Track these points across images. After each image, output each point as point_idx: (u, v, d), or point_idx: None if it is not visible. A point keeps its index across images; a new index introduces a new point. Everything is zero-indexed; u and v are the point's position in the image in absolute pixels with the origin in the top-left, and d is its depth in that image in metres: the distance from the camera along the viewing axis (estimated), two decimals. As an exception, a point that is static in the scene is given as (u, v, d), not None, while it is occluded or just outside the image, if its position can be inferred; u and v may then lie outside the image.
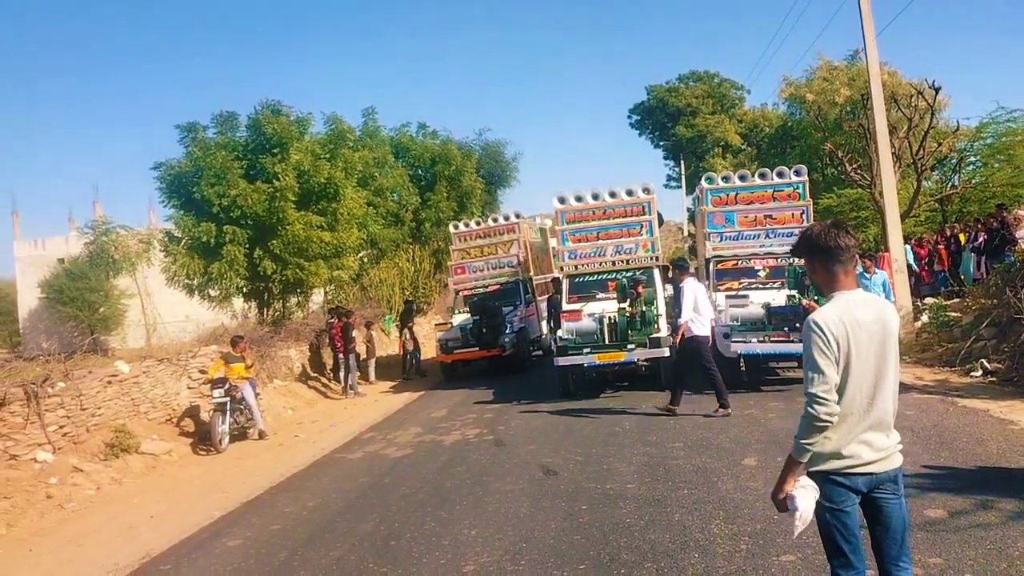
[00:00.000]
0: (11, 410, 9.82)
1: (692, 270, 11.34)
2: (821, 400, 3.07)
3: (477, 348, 16.41)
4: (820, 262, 3.24)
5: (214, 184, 15.54)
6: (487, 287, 17.98)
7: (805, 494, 3.14)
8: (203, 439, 11.99)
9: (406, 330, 18.90)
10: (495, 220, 18.64)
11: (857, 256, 3.17)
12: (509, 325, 16.91)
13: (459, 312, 17.81)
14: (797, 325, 9.77)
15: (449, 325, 17.49)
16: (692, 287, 10.47)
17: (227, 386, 11.72)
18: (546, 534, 6.16)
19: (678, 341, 10.66)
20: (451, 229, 19.11)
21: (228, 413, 11.79)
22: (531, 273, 18.46)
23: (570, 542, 5.91)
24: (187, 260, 15.86)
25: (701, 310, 10.41)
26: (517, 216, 18.40)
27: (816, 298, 11.06)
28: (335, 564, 6.05)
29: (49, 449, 10.04)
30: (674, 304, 11.49)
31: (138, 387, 11.89)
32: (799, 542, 5.30)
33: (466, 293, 18.20)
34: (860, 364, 3.11)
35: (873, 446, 3.16)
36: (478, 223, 18.81)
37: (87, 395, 10.85)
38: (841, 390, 3.12)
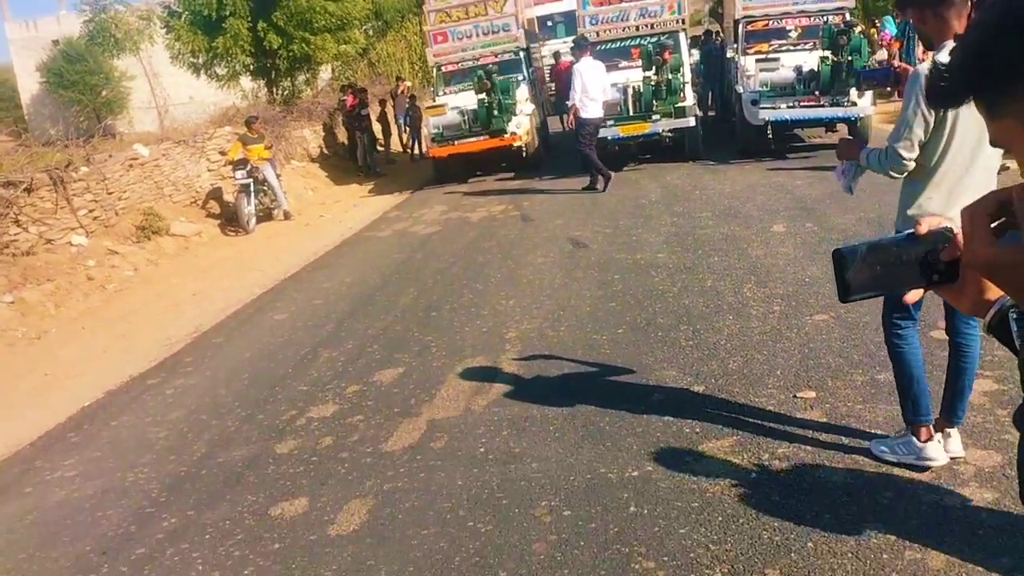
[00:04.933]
0: (40, 195, 9.86)
1: (589, 50, 11.22)
2: (898, 156, 3.06)
3: (486, 136, 13.01)
4: (932, 7, 2.97)
5: (211, -50, 14.55)
6: (477, 59, 14.02)
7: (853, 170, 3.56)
8: (230, 220, 12.14)
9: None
10: None
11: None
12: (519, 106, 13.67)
13: (442, 92, 14.29)
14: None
15: (443, 108, 13.46)
16: (581, 68, 10.69)
17: (249, 167, 11.65)
18: (581, 302, 6.36)
19: (570, 122, 11.04)
20: None
21: (252, 194, 11.83)
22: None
23: (606, 309, 6.11)
24: (190, 36, 15.23)
25: (591, 93, 10.64)
26: None
27: (849, 58, 10.63)
28: (381, 334, 6.32)
29: (82, 233, 10.21)
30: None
31: (159, 170, 11.85)
32: (832, 302, 5.47)
33: (449, 68, 14.47)
34: (964, 123, 2.99)
35: None
36: None
37: (111, 179, 10.85)
38: (945, 149, 3.05)
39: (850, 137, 3.34)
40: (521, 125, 13.11)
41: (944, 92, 0.94)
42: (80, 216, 10.22)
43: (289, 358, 6.06)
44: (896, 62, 10.31)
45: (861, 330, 4.95)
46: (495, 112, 12.71)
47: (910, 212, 3.19)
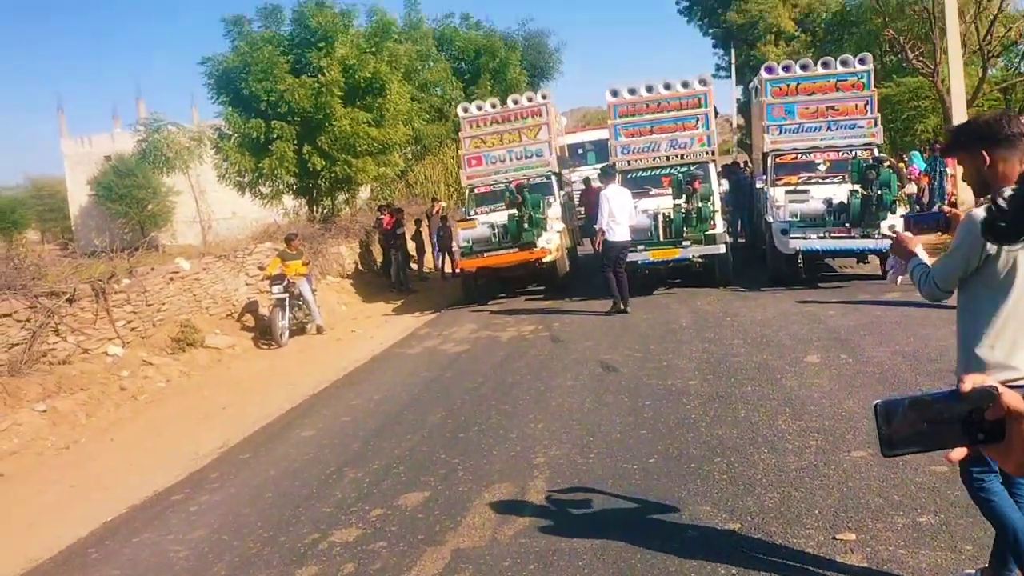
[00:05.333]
0: (81, 306, 10.11)
1: (616, 177, 11.84)
2: (934, 284, 3.15)
3: (515, 250, 13.00)
4: (996, 152, 2.95)
5: (261, 79, 15.42)
6: (510, 181, 14.11)
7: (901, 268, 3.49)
8: (263, 334, 12.30)
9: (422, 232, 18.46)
10: (515, 102, 14.94)
11: None
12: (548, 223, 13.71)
13: (474, 212, 14.38)
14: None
15: (473, 222, 13.72)
16: (608, 194, 11.11)
17: (285, 282, 11.92)
18: (612, 428, 6.27)
19: (598, 244, 11.29)
20: (459, 112, 15.27)
21: (287, 308, 12.04)
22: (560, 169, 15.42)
23: (637, 436, 6.01)
24: (238, 157, 15.95)
25: (618, 218, 10.98)
26: (544, 97, 15.10)
27: (879, 192, 10.76)
28: (408, 454, 6.25)
29: (119, 343, 10.40)
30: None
31: (199, 283, 12.14)
32: (870, 438, 5.34)
33: (482, 190, 14.71)
34: None
35: None
36: (494, 105, 15.04)
37: (151, 291, 11.13)
38: (1007, 293, 3.00)
39: (909, 234, 3.30)
40: (551, 241, 13.16)
41: (1004, 232, 0.96)
42: (118, 326, 10.43)
43: (314, 477, 6.00)
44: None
45: (901, 468, 4.81)
46: (525, 226, 12.83)
47: (970, 362, 3.12)
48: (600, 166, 18.78)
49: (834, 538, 4.07)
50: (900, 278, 3.60)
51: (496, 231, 13.32)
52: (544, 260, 13.04)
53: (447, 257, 17.60)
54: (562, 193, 15.21)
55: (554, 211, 13.94)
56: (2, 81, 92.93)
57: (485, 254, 13.26)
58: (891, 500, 4.44)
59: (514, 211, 12.87)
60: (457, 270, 14.72)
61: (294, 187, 17.28)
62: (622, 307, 11.09)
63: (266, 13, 16.72)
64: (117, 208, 34.68)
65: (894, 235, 3.41)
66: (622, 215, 11.11)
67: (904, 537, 4.01)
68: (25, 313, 9.35)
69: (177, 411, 8.93)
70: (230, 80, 15.89)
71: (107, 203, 35.20)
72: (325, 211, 18.12)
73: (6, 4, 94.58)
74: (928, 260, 3.28)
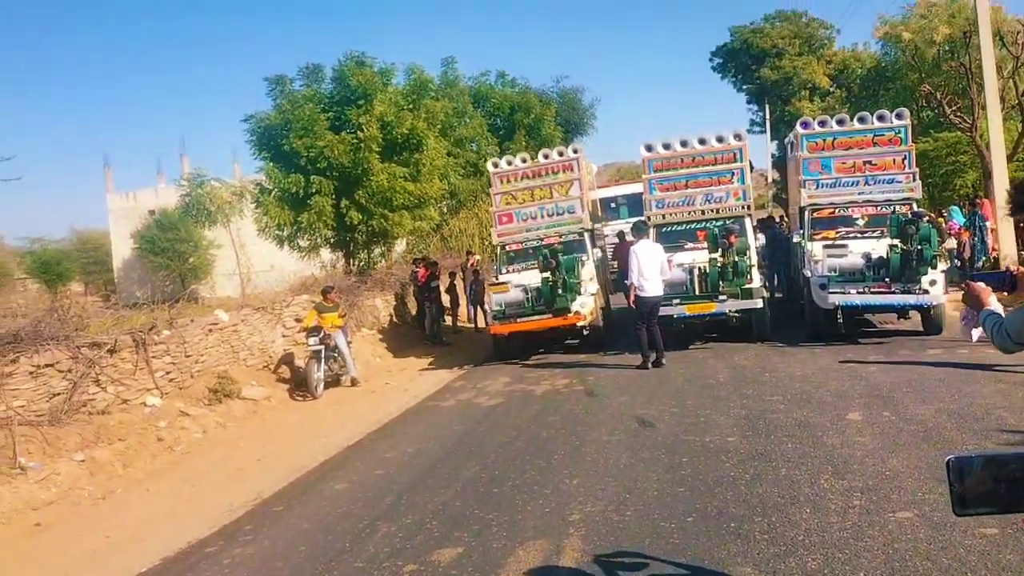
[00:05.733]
0: (121, 356, 10.28)
1: (650, 232, 11.87)
2: (1006, 335, 3.04)
3: (549, 315, 12.71)
4: None
5: (302, 136, 15.83)
6: (542, 239, 14.06)
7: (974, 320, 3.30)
8: (299, 385, 12.38)
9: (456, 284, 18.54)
10: (546, 156, 14.70)
11: None
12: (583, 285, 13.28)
13: (505, 271, 14.14)
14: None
15: (506, 285, 13.24)
16: (638, 249, 11.16)
17: (321, 334, 12.03)
18: (649, 485, 6.15)
19: (633, 301, 11.21)
20: (489, 168, 15.09)
21: (323, 360, 12.12)
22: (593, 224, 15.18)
23: (674, 494, 5.89)
24: (278, 211, 16.29)
25: (647, 273, 11.04)
26: (575, 151, 14.81)
27: (919, 247, 10.63)
28: (441, 509, 6.19)
29: (157, 394, 10.53)
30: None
31: (236, 335, 12.30)
32: (916, 499, 5.18)
33: (514, 247, 14.45)
34: None
35: None
36: (524, 160, 14.73)
37: (190, 342, 11.29)
38: None
39: (981, 284, 3.23)
40: (586, 305, 12.90)
41: None
42: (157, 377, 10.58)
43: (347, 531, 5.95)
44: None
45: (949, 531, 4.65)
46: (559, 291, 12.52)
47: None
48: (633, 220, 18.70)
49: (882, 604, 3.93)
50: (976, 332, 3.44)
51: (529, 295, 12.96)
52: (578, 324, 12.82)
53: (480, 310, 17.64)
54: (595, 250, 14.94)
55: (588, 270, 13.58)
56: (53, 138, 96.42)
57: (518, 319, 12.97)
58: (939, 564, 4.28)
59: (548, 275, 12.56)
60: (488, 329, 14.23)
61: (331, 240, 17.59)
62: (658, 361, 11.05)
63: (307, 72, 17.25)
64: (159, 261, 35.46)
65: (965, 285, 3.31)
66: (652, 271, 11.12)
67: (955, 605, 3.86)
68: (67, 363, 9.53)
69: (212, 462, 8.97)
70: (272, 136, 16.34)
71: (149, 256, 36.02)
72: (361, 264, 18.36)
73: (59, 67, 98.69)
74: (1002, 311, 3.22)
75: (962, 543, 4.47)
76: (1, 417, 8.51)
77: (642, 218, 12.89)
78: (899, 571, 4.24)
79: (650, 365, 11.01)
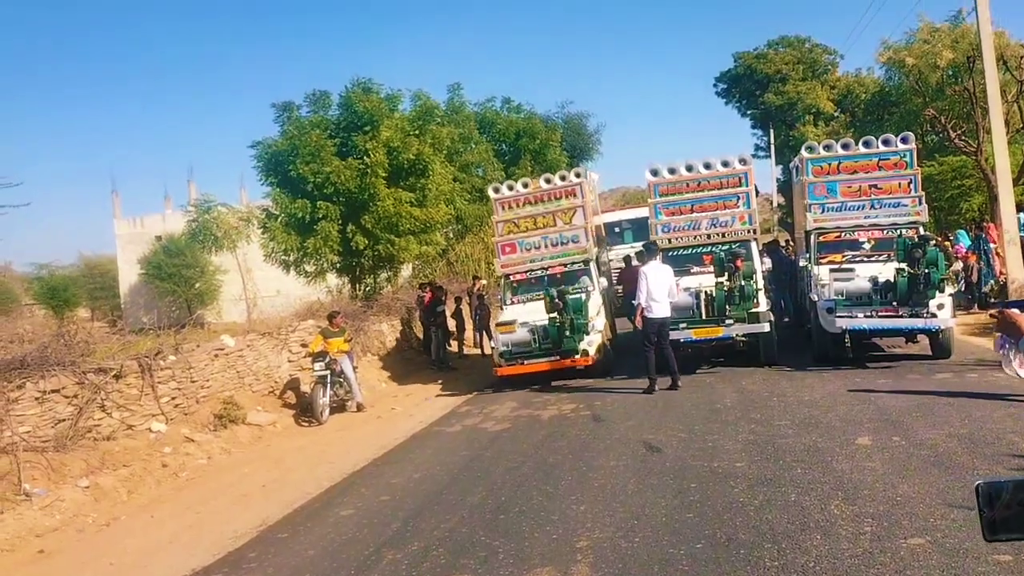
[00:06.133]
0: (127, 382, 10.27)
1: (658, 255, 11.84)
2: None
3: (556, 357, 12.47)
4: None
5: (309, 162, 15.92)
6: (546, 269, 13.83)
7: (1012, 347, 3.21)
8: (304, 411, 12.34)
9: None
10: (548, 181, 14.33)
11: None
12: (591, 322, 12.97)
13: (509, 303, 13.88)
14: None
15: (513, 325, 12.84)
16: (647, 271, 11.28)
17: (327, 359, 12.01)
18: (657, 511, 6.09)
19: (639, 321, 11.35)
20: (491, 193, 14.78)
21: (328, 386, 12.09)
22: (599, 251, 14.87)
23: (683, 520, 5.83)
24: (284, 236, 16.35)
25: (655, 295, 11.11)
26: (577, 175, 14.45)
27: (926, 271, 10.60)
28: (447, 536, 6.13)
29: (162, 420, 10.50)
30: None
31: (242, 360, 12.29)
32: (928, 524, 5.12)
33: (518, 278, 14.21)
34: None
35: None
36: (525, 185, 14.44)
37: (196, 368, 11.27)
38: None
39: (1015, 310, 3.18)
40: (593, 343, 12.62)
41: None
42: (162, 403, 10.56)
43: (352, 558, 5.89)
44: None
45: (962, 557, 4.59)
46: (567, 332, 12.28)
47: None
48: (637, 245, 18.57)
49: (895, 633, 3.86)
50: (1017, 358, 3.31)
51: (536, 336, 12.68)
52: (585, 366, 12.50)
53: (485, 335, 17.62)
54: (601, 278, 14.54)
55: (594, 303, 13.32)
56: (61, 164, 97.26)
57: (525, 361, 12.65)
58: (954, 592, 4.21)
59: (555, 315, 12.30)
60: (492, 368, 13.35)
61: (337, 265, 17.64)
62: (674, 384, 11.05)
63: (314, 99, 17.39)
64: (166, 286, 35.60)
65: (1000, 314, 3.25)
66: (660, 292, 11.15)
67: (971, 633, 3.79)
68: (73, 389, 9.52)
69: (217, 488, 8.91)
70: (278, 162, 16.44)
71: (156, 281, 36.17)
72: (367, 289, 18.38)
73: (66, 93, 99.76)
74: None
75: (975, 570, 4.42)
76: (6, 443, 8.50)
77: (652, 240, 12.85)
78: (912, 599, 4.17)
79: (656, 388, 10.97)
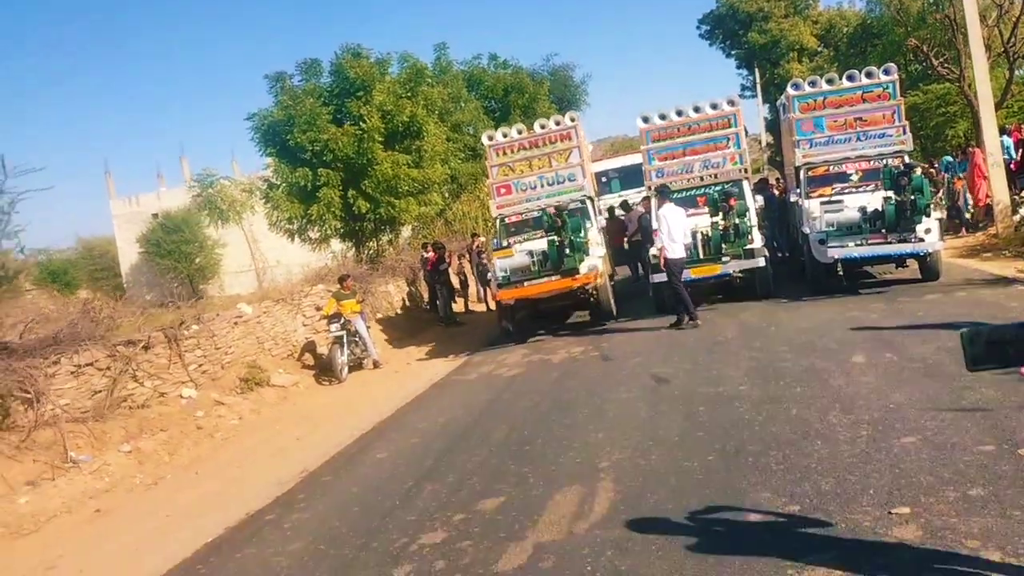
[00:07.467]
0: (156, 352, 10.75)
1: (669, 197, 11.90)
2: None
3: (557, 277, 12.34)
4: None
5: (305, 130, 16.19)
6: (544, 208, 13.56)
7: None
8: (324, 371, 12.85)
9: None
10: (542, 127, 14.36)
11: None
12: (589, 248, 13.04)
13: (505, 244, 13.38)
14: None
15: (511, 250, 12.89)
16: (665, 213, 11.44)
17: (342, 320, 12.49)
18: (669, 433, 6.60)
19: (663, 264, 11.46)
20: (484, 140, 14.74)
21: (345, 345, 12.59)
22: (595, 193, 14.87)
23: (694, 438, 6.34)
24: (288, 205, 16.69)
25: (674, 236, 11.36)
26: (572, 120, 14.46)
27: (912, 197, 11.03)
28: (479, 467, 6.65)
29: (192, 386, 11.00)
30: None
31: (260, 326, 12.75)
32: (919, 425, 5.63)
33: (513, 220, 14.21)
34: None
35: None
36: (520, 131, 14.44)
37: (218, 335, 11.75)
38: None
39: None
40: (594, 266, 12.65)
41: None
42: (190, 370, 11.05)
43: (395, 491, 6.42)
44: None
45: (950, 450, 5.10)
46: (567, 251, 12.28)
47: None
48: (625, 193, 18.84)
49: (889, 513, 4.38)
50: None
51: (535, 259, 12.69)
52: (588, 287, 12.55)
53: (489, 289, 18.06)
54: (599, 217, 14.79)
55: (594, 235, 13.59)
56: (53, 150, 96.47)
57: (524, 283, 12.56)
58: (941, 477, 4.73)
59: (553, 236, 12.37)
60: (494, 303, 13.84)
61: (341, 231, 18.02)
62: (685, 322, 11.28)
63: (306, 67, 17.57)
64: (166, 263, 35.87)
65: None
66: (678, 233, 11.47)
67: (956, 508, 4.31)
68: (105, 362, 10.00)
69: (253, 445, 9.45)
70: (275, 133, 16.68)
71: (156, 259, 36.44)
72: (371, 252, 18.76)
73: (55, 76, 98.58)
74: None
75: (962, 459, 4.93)
76: (49, 416, 8.99)
77: (663, 183, 12.84)
78: (905, 486, 4.69)
79: (692, 319, 11.22)
